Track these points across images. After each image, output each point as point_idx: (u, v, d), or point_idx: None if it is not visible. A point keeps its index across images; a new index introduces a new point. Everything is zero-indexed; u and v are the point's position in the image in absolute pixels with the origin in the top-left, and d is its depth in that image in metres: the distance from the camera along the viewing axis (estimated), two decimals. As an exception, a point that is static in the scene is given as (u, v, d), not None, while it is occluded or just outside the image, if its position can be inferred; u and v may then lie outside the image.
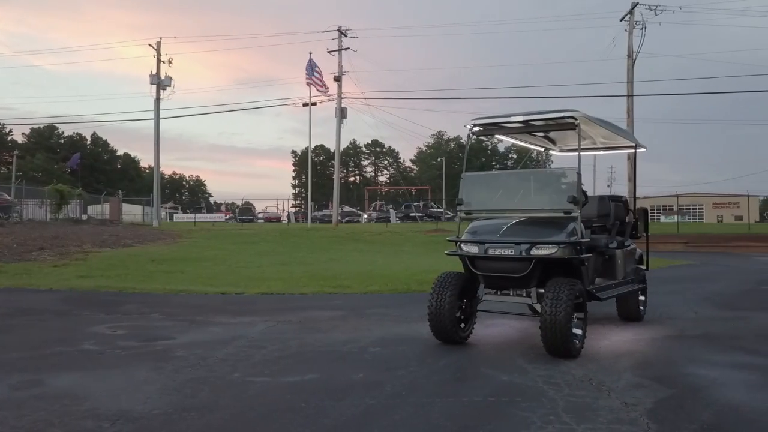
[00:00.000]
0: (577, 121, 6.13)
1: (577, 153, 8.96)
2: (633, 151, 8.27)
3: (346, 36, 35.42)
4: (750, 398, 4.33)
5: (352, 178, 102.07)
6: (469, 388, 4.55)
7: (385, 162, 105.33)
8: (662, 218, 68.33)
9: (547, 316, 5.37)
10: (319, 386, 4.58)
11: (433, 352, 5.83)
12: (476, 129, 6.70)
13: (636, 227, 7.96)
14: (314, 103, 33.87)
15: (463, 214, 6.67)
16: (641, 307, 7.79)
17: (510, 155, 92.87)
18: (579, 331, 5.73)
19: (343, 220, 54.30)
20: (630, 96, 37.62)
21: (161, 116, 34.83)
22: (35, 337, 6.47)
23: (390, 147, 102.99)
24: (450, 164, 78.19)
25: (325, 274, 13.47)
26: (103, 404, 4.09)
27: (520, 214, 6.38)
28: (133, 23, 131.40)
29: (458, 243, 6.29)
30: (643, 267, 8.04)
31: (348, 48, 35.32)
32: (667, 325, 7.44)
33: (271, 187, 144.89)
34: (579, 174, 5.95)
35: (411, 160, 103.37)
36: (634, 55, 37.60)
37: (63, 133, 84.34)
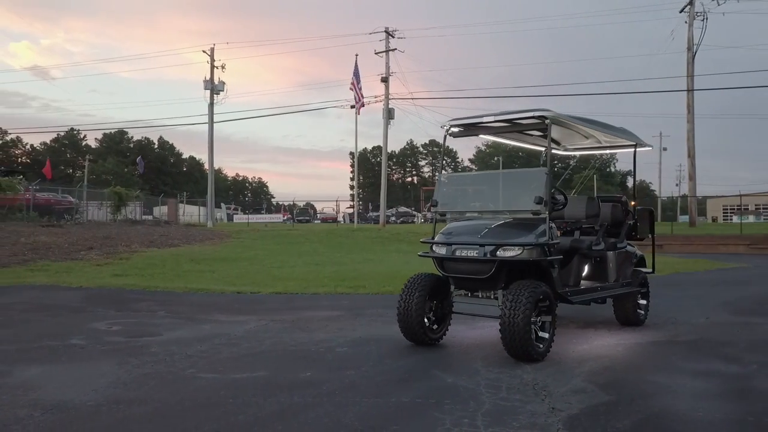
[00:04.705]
0: (547, 121, 6.01)
1: (583, 151, 8.87)
2: (633, 150, 7.98)
3: (393, 37, 35.58)
4: (687, 406, 4.15)
5: (409, 179, 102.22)
6: (406, 389, 4.57)
7: (443, 162, 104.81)
8: (734, 218, 65.01)
9: (506, 319, 5.32)
10: (260, 383, 4.72)
11: (396, 353, 5.86)
12: (454, 130, 6.68)
13: (635, 228, 7.69)
14: (362, 105, 34.13)
15: (438, 216, 6.67)
16: (641, 311, 7.52)
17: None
18: (546, 335, 5.64)
19: (398, 221, 54.51)
20: (690, 91, 36.06)
21: (215, 120, 36.02)
22: (34, 331, 6.92)
23: (448, 146, 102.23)
24: (509, 164, 77.14)
25: (349, 275, 13.63)
26: (49, 395, 4.37)
27: (491, 216, 6.31)
28: (202, 30, 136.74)
29: (431, 245, 6.30)
30: (646, 270, 7.76)
31: (395, 49, 35.46)
32: (663, 330, 7.16)
33: (332, 188, 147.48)
34: (548, 174, 5.83)
35: (470, 160, 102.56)
36: (695, 47, 36.05)
37: (132, 137, 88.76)
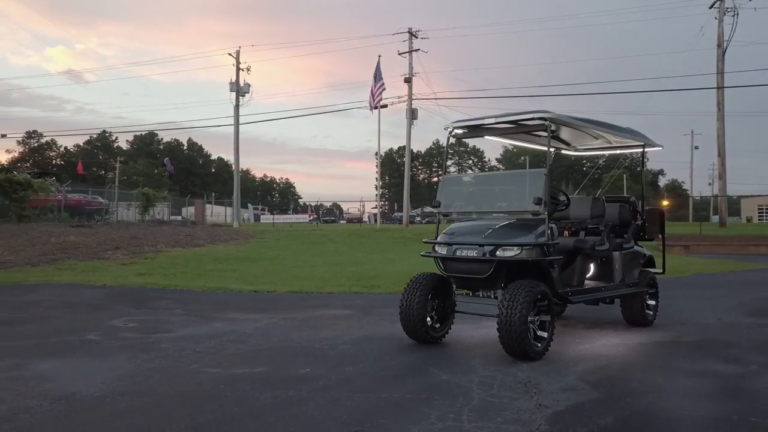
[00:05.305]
0: (546, 122, 6.07)
1: (593, 152, 8.87)
2: (641, 150, 7.96)
3: (416, 37, 35.66)
4: (673, 404, 4.19)
5: (435, 179, 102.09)
6: (399, 386, 4.70)
7: (469, 162, 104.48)
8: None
9: (503, 318, 5.40)
10: (259, 378, 4.89)
11: (397, 351, 5.99)
12: (457, 132, 6.77)
13: (643, 229, 7.68)
14: (384, 106, 34.31)
15: (442, 216, 6.77)
16: (649, 312, 7.51)
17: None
18: (544, 334, 5.70)
19: (423, 221, 54.52)
20: (720, 88, 35.37)
21: (241, 122, 36.55)
22: (53, 327, 7.21)
23: (474, 146, 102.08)
24: (536, 163, 76.36)
25: (367, 275, 13.77)
26: (60, 386, 4.61)
27: (494, 216, 6.40)
28: (229, 32, 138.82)
29: (434, 245, 6.41)
30: (654, 270, 7.75)
31: (418, 49, 35.54)
32: (670, 331, 7.15)
33: (359, 188, 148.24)
34: (547, 175, 5.89)
35: (497, 159, 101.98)
36: (725, 44, 35.35)
37: (162, 139, 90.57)
